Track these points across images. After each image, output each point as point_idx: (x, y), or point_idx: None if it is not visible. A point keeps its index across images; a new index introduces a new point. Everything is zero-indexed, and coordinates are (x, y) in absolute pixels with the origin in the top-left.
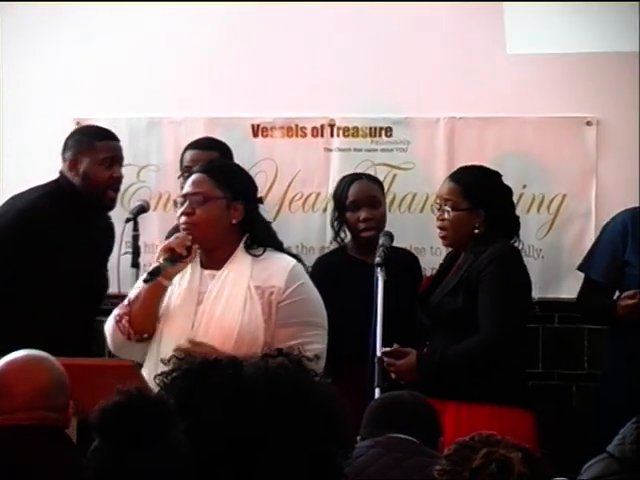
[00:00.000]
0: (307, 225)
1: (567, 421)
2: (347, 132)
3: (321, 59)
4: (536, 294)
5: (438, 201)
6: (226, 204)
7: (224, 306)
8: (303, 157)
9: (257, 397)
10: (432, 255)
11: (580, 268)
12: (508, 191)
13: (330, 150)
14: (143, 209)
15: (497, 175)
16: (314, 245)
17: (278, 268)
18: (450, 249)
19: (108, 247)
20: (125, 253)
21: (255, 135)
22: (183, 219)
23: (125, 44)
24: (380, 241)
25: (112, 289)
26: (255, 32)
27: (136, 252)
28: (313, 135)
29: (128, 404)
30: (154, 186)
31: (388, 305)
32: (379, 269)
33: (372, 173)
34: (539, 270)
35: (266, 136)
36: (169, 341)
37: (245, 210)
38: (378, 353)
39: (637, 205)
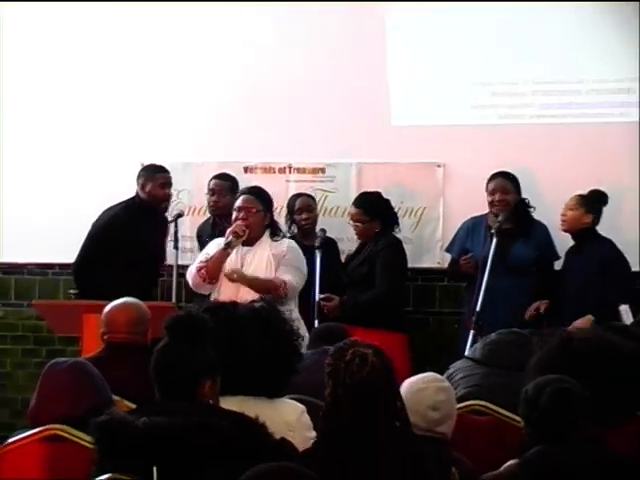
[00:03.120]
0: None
1: (426, 341)
2: (299, 171)
3: (283, 128)
4: (409, 265)
5: (352, 220)
6: (263, 214)
7: (254, 267)
8: (273, 186)
9: (247, 325)
10: (347, 242)
11: (446, 250)
12: (387, 202)
13: (289, 182)
14: (180, 215)
15: (379, 195)
16: None
17: (285, 246)
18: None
19: (165, 233)
20: (170, 241)
21: (245, 172)
22: (241, 222)
23: (171, 113)
24: (318, 233)
25: None
26: (245, 110)
27: (176, 240)
28: (279, 172)
29: (186, 317)
30: (187, 201)
31: (320, 272)
32: (317, 250)
33: (313, 194)
34: (410, 251)
35: (252, 173)
36: (225, 286)
37: (270, 216)
38: (317, 298)
39: (475, 213)
